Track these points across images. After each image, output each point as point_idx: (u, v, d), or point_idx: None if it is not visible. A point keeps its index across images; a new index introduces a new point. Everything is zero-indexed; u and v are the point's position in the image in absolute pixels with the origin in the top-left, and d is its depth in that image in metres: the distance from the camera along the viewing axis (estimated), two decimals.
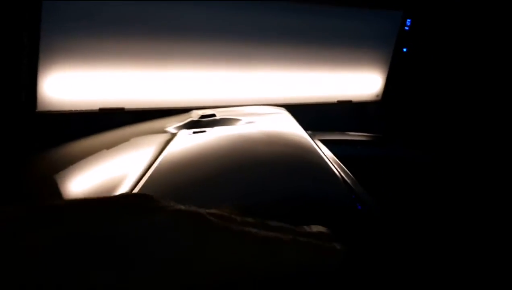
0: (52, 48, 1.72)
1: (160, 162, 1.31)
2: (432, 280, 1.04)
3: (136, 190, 1.15)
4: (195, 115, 1.72)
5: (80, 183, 1.34)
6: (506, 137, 2.62)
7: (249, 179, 1.34)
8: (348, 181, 1.32)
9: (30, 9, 1.62)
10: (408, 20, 2.52)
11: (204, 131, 1.54)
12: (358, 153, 1.99)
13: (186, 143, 1.52)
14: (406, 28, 2.54)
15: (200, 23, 2.04)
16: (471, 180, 1.88)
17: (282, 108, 1.97)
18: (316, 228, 0.58)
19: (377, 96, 2.75)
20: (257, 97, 2.35)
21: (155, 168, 1.27)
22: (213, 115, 1.74)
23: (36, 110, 1.74)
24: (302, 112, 1.83)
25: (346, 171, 1.39)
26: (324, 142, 1.70)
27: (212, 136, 1.58)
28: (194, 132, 1.51)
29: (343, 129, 2.27)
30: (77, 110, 1.84)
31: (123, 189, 1.16)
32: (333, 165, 1.36)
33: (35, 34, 1.66)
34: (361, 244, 1.07)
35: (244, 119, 1.78)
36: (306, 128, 1.65)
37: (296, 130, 1.64)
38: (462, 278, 1.15)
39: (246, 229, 0.48)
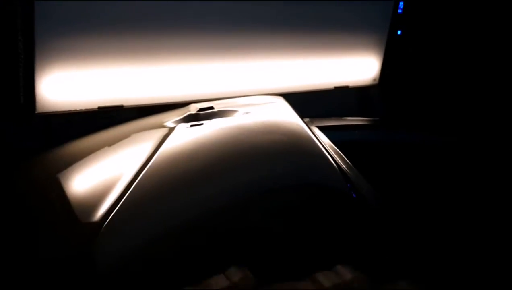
0: (48, 50, 1.75)
1: (159, 156, 1.35)
2: (426, 265, 1.05)
3: (135, 184, 1.19)
4: (193, 108, 1.75)
5: (83, 179, 1.37)
6: (501, 116, 2.65)
7: (245, 171, 1.38)
8: (345, 168, 1.35)
9: (23, 13, 1.64)
10: (401, 2, 2.54)
11: (201, 124, 1.57)
12: (356, 138, 2.02)
13: (184, 136, 1.55)
14: (399, 11, 2.56)
15: (194, 18, 2.06)
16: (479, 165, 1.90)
17: (279, 97, 2.00)
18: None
19: (374, 80, 2.77)
20: (255, 88, 2.37)
21: (154, 162, 1.30)
22: (211, 107, 1.77)
23: (36, 112, 1.77)
24: (300, 100, 1.86)
25: (343, 158, 1.42)
26: (322, 128, 1.72)
27: (210, 129, 1.61)
28: (192, 126, 1.54)
29: (341, 115, 2.30)
30: (76, 110, 1.87)
31: (123, 183, 1.18)
32: (329, 152, 1.39)
33: (30, 37, 1.68)
34: (356, 234, 1.12)
35: (241, 110, 1.81)
36: (304, 116, 1.67)
37: (292, 118, 1.66)
38: (457, 266, 1.17)
39: None
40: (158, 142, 1.44)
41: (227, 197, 1.18)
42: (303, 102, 1.95)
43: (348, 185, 1.24)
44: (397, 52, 2.70)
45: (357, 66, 2.74)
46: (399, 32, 2.64)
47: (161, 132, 1.53)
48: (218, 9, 2.10)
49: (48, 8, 1.70)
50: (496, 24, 2.76)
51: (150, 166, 1.29)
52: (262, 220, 1.11)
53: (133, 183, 1.17)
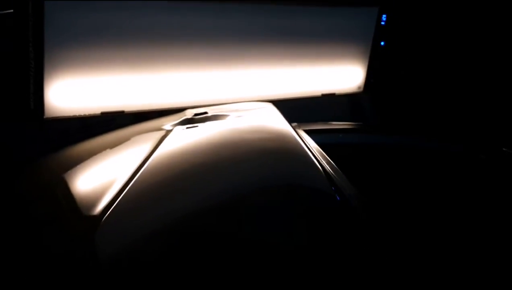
0: (56, 60, 1.88)
1: (157, 156, 1.44)
2: (410, 267, 1.06)
3: (132, 183, 1.26)
4: (189, 113, 1.87)
5: (83, 178, 1.43)
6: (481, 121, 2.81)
7: (233, 171, 1.45)
8: (329, 170, 1.42)
9: (34, 26, 1.78)
10: (384, 15, 2.69)
11: (196, 126, 1.68)
12: (340, 141, 2.14)
13: (180, 138, 1.65)
14: (382, 23, 2.71)
15: (191, 29, 2.20)
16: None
17: (269, 103, 2.12)
18: None
19: (359, 88, 2.92)
20: (246, 95, 2.51)
21: (152, 162, 1.39)
22: (205, 112, 1.90)
23: (44, 117, 1.91)
24: (289, 106, 1.99)
25: (328, 160, 1.50)
26: (308, 132, 1.83)
27: (203, 131, 1.72)
28: (188, 128, 1.66)
29: (327, 120, 2.44)
30: (81, 115, 2.00)
31: (121, 182, 1.22)
32: (314, 154, 1.47)
33: (40, 48, 1.81)
34: (339, 236, 1.16)
35: (233, 115, 1.93)
36: (293, 121, 1.78)
37: (280, 122, 1.77)
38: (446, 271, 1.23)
39: None
40: (156, 143, 1.52)
41: (216, 198, 1.20)
42: (292, 108, 2.07)
43: (333, 187, 1.27)
44: (380, 62, 2.85)
45: (343, 75, 2.89)
46: (382, 43, 2.79)
47: (159, 134, 1.63)
48: (212, 21, 2.24)
49: (56, 22, 1.84)
50: (472, 33, 2.93)
51: (148, 166, 1.36)
52: (248, 220, 1.12)
53: (130, 182, 1.22)
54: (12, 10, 1.78)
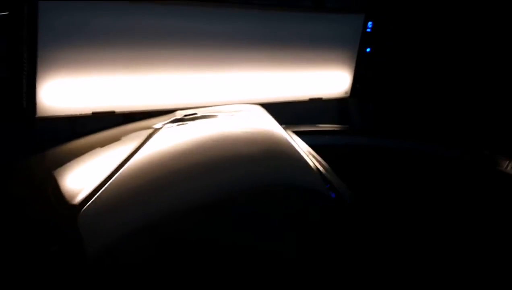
0: (49, 60, 1.92)
1: (141, 154, 1.45)
2: (402, 262, 1.10)
3: (113, 180, 1.28)
4: (179, 114, 1.91)
5: (67, 177, 1.44)
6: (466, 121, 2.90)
7: (223, 169, 1.48)
8: (322, 169, 1.47)
9: (28, 28, 1.82)
10: (370, 22, 2.77)
11: (186, 124, 1.72)
12: (326, 142, 2.20)
13: (168, 137, 1.68)
14: (368, 30, 2.79)
15: (181, 33, 2.25)
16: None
17: (258, 105, 2.17)
18: None
19: (346, 92, 3.00)
20: (235, 98, 2.55)
21: (135, 160, 1.40)
22: (195, 114, 1.94)
23: (36, 116, 1.95)
24: (277, 109, 2.03)
25: (319, 160, 1.55)
26: (296, 133, 1.88)
27: (193, 131, 1.75)
28: (177, 126, 1.69)
29: (314, 123, 2.50)
30: (72, 114, 2.04)
31: (102, 179, 1.23)
32: (305, 154, 1.51)
33: (33, 49, 1.86)
34: (336, 232, 1.18)
35: (224, 115, 1.97)
36: (280, 123, 1.82)
37: (270, 123, 1.82)
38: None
39: None
40: (143, 141, 1.54)
41: (209, 193, 1.22)
42: (281, 111, 2.11)
43: (327, 185, 1.30)
44: (367, 68, 2.93)
45: (330, 80, 2.97)
46: (368, 50, 2.87)
47: (147, 133, 1.65)
48: (202, 26, 2.30)
49: (50, 23, 1.89)
50: (456, 39, 3.03)
51: (132, 163, 1.34)
52: (241, 216, 1.13)
53: (111, 179, 1.23)
54: (7, 13, 1.82)
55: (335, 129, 2.35)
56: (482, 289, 1.28)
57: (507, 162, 2.02)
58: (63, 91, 2.01)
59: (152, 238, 1.07)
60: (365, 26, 2.80)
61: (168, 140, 1.69)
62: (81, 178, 1.38)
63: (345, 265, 1.05)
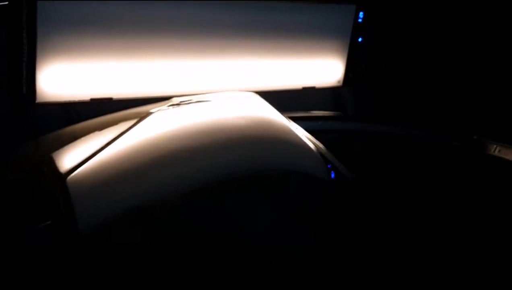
0: (48, 47, 1.97)
1: (134, 136, 1.48)
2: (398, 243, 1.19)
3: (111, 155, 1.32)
4: (175, 100, 1.96)
5: (64, 158, 1.49)
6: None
7: (229, 150, 1.52)
8: (322, 151, 1.52)
9: (27, 15, 1.86)
10: (361, 12, 2.82)
11: (184, 108, 1.77)
12: (318, 128, 2.26)
13: (163, 119, 1.71)
14: (360, 20, 2.85)
15: (177, 21, 2.31)
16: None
17: (252, 92, 2.22)
18: None
19: (339, 82, 3.06)
20: (228, 87, 2.59)
21: (128, 142, 1.43)
22: (191, 100, 1.98)
23: (36, 101, 1.99)
24: (271, 97, 2.09)
25: (317, 143, 1.60)
26: (291, 118, 1.93)
27: (190, 114, 1.80)
28: (173, 109, 1.74)
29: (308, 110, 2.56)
30: (71, 101, 2.09)
31: (98, 156, 1.30)
32: (305, 137, 1.56)
33: (32, 35, 1.90)
34: (343, 205, 1.22)
35: (220, 101, 2.01)
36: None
37: (265, 107, 1.87)
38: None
39: None
40: (136, 124, 1.58)
41: (215, 171, 1.26)
42: (275, 99, 2.16)
43: (328, 165, 1.36)
44: (359, 57, 2.99)
45: (323, 69, 3.03)
46: (360, 39, 2.93)
47: (141, 117, 1.69)
48: (198, 15, 2.35)
49: (48, 11, 1.93)
50: (448, 29, 3.10)
51: (131, 140, 1.42)
52: (250, 195, 1.18)
53: (108, 154, 1.30)
54: (7, 2, 1.87)
55: (327, 115, 2.41)
56: (472, 268, 1.34)
57: (495, 146, 2.08)
58: (62, 78, 2.05)
59: (141, 216, 1.11)
60: (357, 17, 2.85)
61: (164, 123, 1.73)
62: (73, 160, 1.42)
63: (353, 233, 1.10)
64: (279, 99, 2.28)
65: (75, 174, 1.23)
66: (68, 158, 1.48)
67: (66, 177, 1.24)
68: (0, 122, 1.97)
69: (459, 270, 1.32)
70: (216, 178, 1.28)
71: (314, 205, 1.19)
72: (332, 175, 1.38)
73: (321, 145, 1.53)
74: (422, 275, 1.19)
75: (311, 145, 1.49)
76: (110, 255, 1.01)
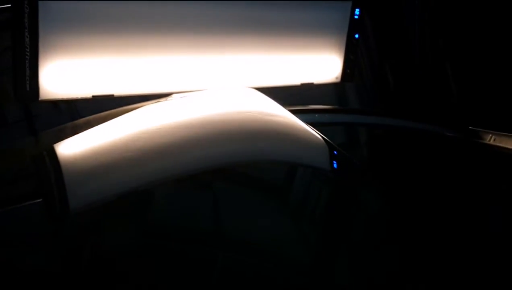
0: (50, 46, 2.01)
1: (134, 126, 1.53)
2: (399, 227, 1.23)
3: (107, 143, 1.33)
4: (175, 97, 2.01)
5: (61, 149, 1.58)
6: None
7: (236, 140, 1.56)
8: (324, 139, 1.56)
9: (29, 14, 1.91)
10: (357, 9, 2.86)
11: (186, 101, 1.81)
12: (316, 120, 2.31)
13: (162, 112, 1.76)
14: (356, 17, 2.88)
15: (183, 19, 2.34)
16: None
17: (252, 88, 2.27)
18: None
19: (337, 78, 3.10)
20: (226, 83, 2.63)
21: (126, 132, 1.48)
22: (191, 96, 2.03)
23: (39, 99, 2.03)
24: (271, 93, 2.14)
25: (319, 134, 1.65)
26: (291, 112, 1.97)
27: (193, 106, 1.84)
28: (176, 101, 1.79)
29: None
30: (73, 98, 2.13)
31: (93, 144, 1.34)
32: (309, 128, 1.61)
33: (35, 34, 1.94)
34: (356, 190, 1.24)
35: (221, 96, 2.06)
36: None
37: (269, 101, 1.93)
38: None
39: None
40: (137, 115, 1.61)
41: (224, 158, 1.31)
42: (274, 95, 2.21)
43: (335, 152, 1.42)
44: (356, 54, 3.03)
45: (321, 65, 3.06)
46: (356, 36, 2.96)
47: (143, 109, 1.73)
48: (198, 12, 2.39)
49: (50, 10, 1.98)
50: (442, 24, 3.13)
51: (130, 130, 1.46)
52: (252, 186, 1.20)
53: (103, 142, 1.38)
54: (9, 5, 1.91)
55: (325, 108, 2.46)
56: (473, 259, 1.37)
57: (490, 135, 2.12)
58: (64, 76, 2.09)
59: (137, 206, 1.14)
60: (353, 13, 2.89)
61: (163, 116, 1.78)
62: (70, 149, 1.53)
63: (367, 217, 1.16)
64: (278, 95, 2.33)
65: (70, 161, 1.29)
66: (65, 148, 1.57)
67: (61, 163, 1.32)
68: (4, 120, 2.01)
69: (461, 261, 1.34)
70: (221, 170, 1.31)
71: (326, 194, 1.25)
72: (342, 164, 1.43)
73: (323, 136, 1.58)
74: (428, 270, 1.19)
75: (317, 135, 1.54)
76: (98, 236, 1.04)
